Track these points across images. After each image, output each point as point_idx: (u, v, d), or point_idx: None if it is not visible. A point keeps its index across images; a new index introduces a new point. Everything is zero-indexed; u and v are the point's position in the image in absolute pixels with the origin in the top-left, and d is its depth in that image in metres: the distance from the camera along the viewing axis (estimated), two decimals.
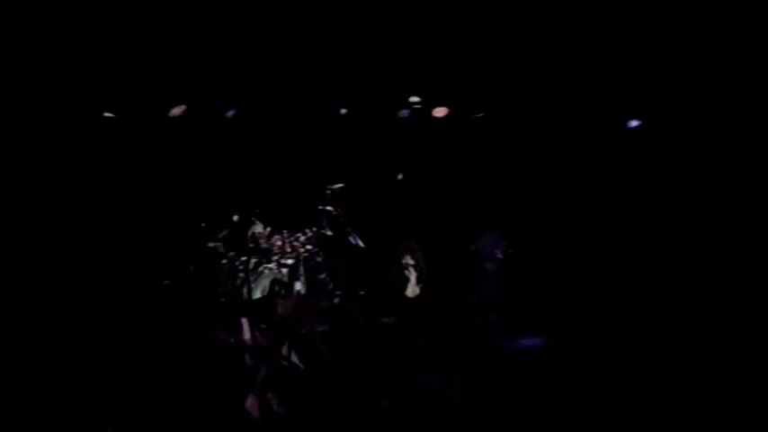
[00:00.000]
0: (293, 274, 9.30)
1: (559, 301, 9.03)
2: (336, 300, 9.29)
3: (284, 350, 7.74)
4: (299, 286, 9.23)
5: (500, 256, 9.39)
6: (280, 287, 9.32)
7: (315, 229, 9.51)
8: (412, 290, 8.47)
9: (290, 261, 9.38)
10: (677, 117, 8.59)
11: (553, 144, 9.18)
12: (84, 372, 8.06)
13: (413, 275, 8.56)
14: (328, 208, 9.51)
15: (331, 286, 9.40)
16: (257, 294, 9.32)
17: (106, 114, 8.97)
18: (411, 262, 8.54)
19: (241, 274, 9.31)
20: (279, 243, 9.48)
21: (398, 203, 9.73)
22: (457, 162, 9.83)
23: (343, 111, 9.74)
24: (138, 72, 8.92)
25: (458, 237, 9.57)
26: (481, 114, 9.52)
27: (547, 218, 9.40)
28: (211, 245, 9.32)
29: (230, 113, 9.49)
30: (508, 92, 9.35)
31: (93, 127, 8.70)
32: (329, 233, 9.52)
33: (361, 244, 9.26)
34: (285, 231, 9.49)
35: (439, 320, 8.70)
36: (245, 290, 9.27)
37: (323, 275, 9.40)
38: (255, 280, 9.33)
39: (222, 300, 9.25)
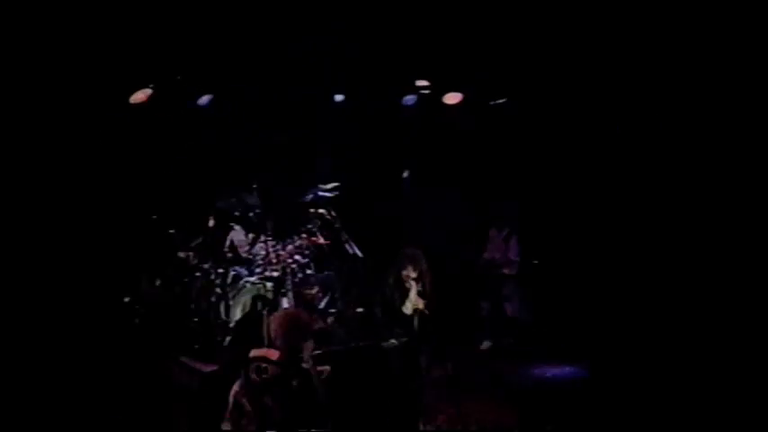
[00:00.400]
0: (279, 288, 8.62)
1: (591, 319, 8.52)
2: (330, 320, 8.77)
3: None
4: (285, 303, 8.48)
5: (516, 258, 9.07)
6: (263, 305, 8.60)
7: (305, 235, 8.92)
8: (411, 305, 7.56)
9: (275, 273, 8.72)
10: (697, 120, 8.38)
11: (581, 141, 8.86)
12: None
13: (413, 289, 7.62)
14: (321, 211, 8.88)
15: (323, 303, 8.85)
16: (236, 314, 8.65)
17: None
18: (413, 274, 7.64)
19: (217, 290, 8.67)
20: (262, 252, 8.86)
21: (401, 205, 9.44)
22: (470, 157, 9.57)
23: (339, 97, 9.42)
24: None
25: (469, 242, 9.39)
26: (502, 100, 9.13)
27: (573, 220, 9.07)
28: (182, 255, 8.77)
29: (204, 100, 9.27)
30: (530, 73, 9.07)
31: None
32: (321, 241, 8.92)
33: (358, 253, 8.50)
34: (270, 238, 8.84)
35: (449, 343, 8.02)
36: (221, 308, 8.60)
37: (314, 290, 8.84)
38: (234, 296, 8.66)
39: (195, 320, 8.59)
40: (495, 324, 9.05)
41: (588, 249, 8.88)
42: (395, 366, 7.38)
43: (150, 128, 8.58)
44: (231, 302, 8.64)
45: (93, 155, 8.63)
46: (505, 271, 9.06)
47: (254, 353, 5.53)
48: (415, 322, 7.61)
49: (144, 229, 8.53)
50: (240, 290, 8.75)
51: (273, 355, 5.44)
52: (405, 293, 7.58)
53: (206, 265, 8.86)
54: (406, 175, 9.53)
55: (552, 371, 8.20)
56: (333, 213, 8.93)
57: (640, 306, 8.41)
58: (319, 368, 5.48)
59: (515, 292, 9.19)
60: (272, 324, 5.58)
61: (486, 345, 8.87)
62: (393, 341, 7.48)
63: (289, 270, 8.72)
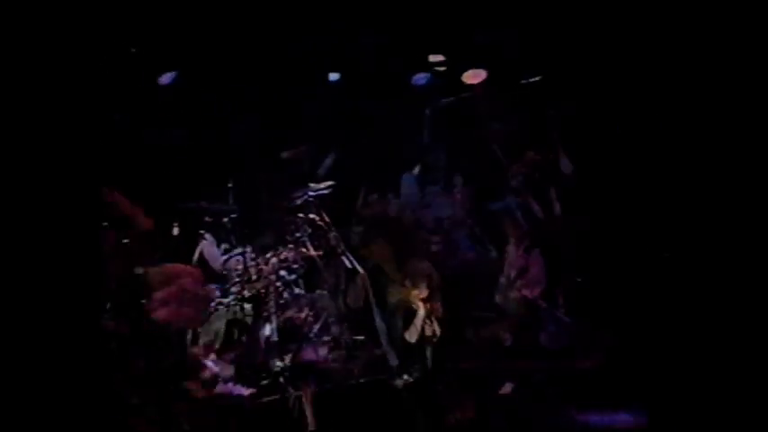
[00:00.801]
0: (260, 312, 8.00)
1: (652, 351, 7.68)
2: (325, 352, 8.00)
3: None
4: (268, 330, 7.88)
5: (540, 276, 8.37)
6: (240, 331, 8.04)
7: (292, 246, 8.28)
8: (416, 332, 7.30)
9: (255, 293, 8.10)
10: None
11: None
12: None
13: (421, 311, 7.32)
14: (311, 216, 8.25)
15: (315, 330, 8.12)
16: (205, 341, 7.98)
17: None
18: (422, 294, 7.36)
19: None
20: (239, 267, 8.24)
21: (408, 207, 8.75)
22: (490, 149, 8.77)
23: (334, 76, 9.09)
24: None
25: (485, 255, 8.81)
26: (537, 78, 8.48)
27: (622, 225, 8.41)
28: (138, 271, 7.64)
29: (167, 77, 8.80)
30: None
31: None
32: (312, 252, 8.24)
33: (358, 268, 7.75)
34: (249, 249, 8.29)
35: (470, 380, 7.57)
36: (187, 339, 7.85)
37: (303, 314, 8.16)
38: (204, 323, 7.91)
39: (155, 354, 7.52)
40: (521, 357, 8.18)
41: (647, 260, 8.27)
42: (406, 409, 7.02)
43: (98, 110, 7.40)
44: (200, 330, 7.97)
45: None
46: (526, 293, 8.37)
47: None
48: (428, 353, 7.36)
49: (89, 238, 6.88)
50: (212, 314, 8.02)
51: None
52: (409, 317, 7.33)
53: None
54: (415, 171, 8.92)
55: (599, 417, 7.40)
56: (326, 219, 8.27)
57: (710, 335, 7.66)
58: None
59: (549, 317, 8.39)
60: None
61: (507, 387, 7.91)
62: (406, 377, 7.12)
63: (272, 289, 8.08)
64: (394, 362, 6.98)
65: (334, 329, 8.24)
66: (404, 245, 7.64)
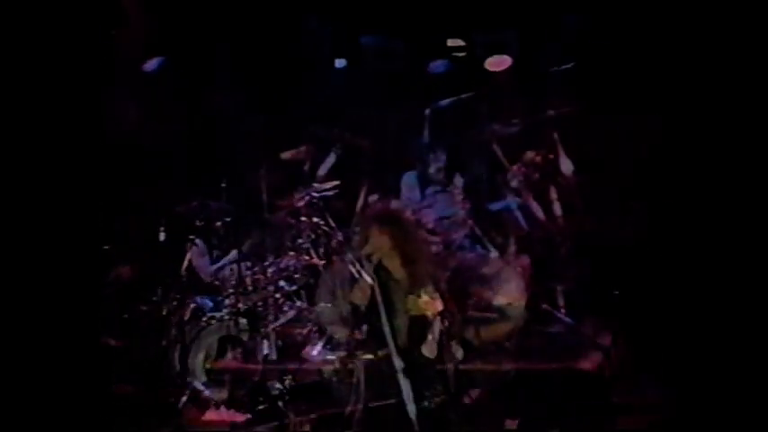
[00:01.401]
0: (257, 327, 7.86)
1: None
2: (329, 370, 7.62)
3: None
4: (265, 348, 7.74)
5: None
6: (234, 348, 7.87)
7: (293, 253, 8.22)
8: (430, 349, 6.70)
9: (251, 305, 7.99)
10: None
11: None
12: None
13: (436, 326, 6.77)
14: (315, 220, 8.21)
15: (318, 349, 7.89)
16: (197, 362, 7.78)
17: None
18: (436, 304, 6.77)
19: (173, 331, 7.88)
20: (233, 277, 8.14)
21: (408, 207, 8.39)
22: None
23: (341, 62, 9.01)
24: None
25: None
26: (570, 65, 8.41)
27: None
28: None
29: (153, 63, 8.86)
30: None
31: None
32: (316, 261, 8.18)
33: (367, 278, 6.98)
34: (244, 258, 8.18)
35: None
36: (176, 355, 7.73)
37: (305, 330, 8.02)
38: (194, 339, 7.82)
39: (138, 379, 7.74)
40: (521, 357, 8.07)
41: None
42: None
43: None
44: (192, 346, 7.77)
45: None
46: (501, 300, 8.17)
47: None
48: (450, 372, 6.82)
49: (65, 242, 7.09)
50: (202, 329, 7.84)
51: None
52: (418, 323, 6.67)
53: (155, 298, 8.06)
54: (433, 170, 8.56)
55: None
56: (332, 224, 8.24)
57: None
58: None
59: (550, 318, 8.31)
60: None
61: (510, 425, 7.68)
62: (426, 403, 6.60)
63: (270, 301, 8.01)
64: (399, 365, 6.50)
65: (341, 347, 7.95)
66: (405, 239, 7.13)
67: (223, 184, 8.20)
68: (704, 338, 7.35)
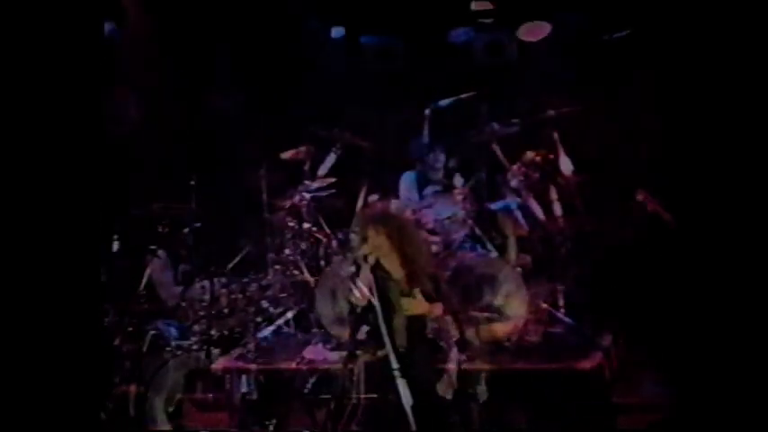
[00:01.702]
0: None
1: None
2: (322, 413, 6.94)
3: None
4: (244, 385, 6.96)
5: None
6: (205, 386, 7.02)
7: (279, 267, 7.71)
8: (451, 384, 6.28)
9: (226, 332, 7.38)
10: None
11: None
12: None
13: (453, 350, 6.39)
14: (305, 225, 7.69)
15: (309, 384, 6.98)
16: (158, 405, 6.87)
17: None
18: (436, 311, 6.34)
19: (127, 365, 7.14)
20: (204, 297, 7.36)
21: (408, 207, 8.01)
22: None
23: (338, 31, 8.60)
24: None
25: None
26: (624, 32, 8.22)
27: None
28: None
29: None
30: None
31: None
32: (308, 276, 7.61)
33: (372, 299, 6.28)
34: (218, 274, 7.50)
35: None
36: (130, 400, 6.84)
37: (294, 362, 7.14)
38: (154, 376, 6.93)
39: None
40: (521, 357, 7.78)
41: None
42: None
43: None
44: (151, 385, 6.85)
45: None
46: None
47: None
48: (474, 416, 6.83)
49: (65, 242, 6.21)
50: (164, 365, 6.92)
51: None
52: (415, 324, 6.34)
53: (104, 322, 7.13)
54: (433, 170, 8.18)
55: None
56: (327, 231, 7.79)
57: None
58: None
59: (550, 318, 8.07)
60: None
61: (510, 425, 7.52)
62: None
63: (250, 327, 7.24)
64: (395, 365, 6.07)
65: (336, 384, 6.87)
66: (404, 239, 6.66)
67: (192, 182, 7.49)
68: (704, 338, 7.17)
